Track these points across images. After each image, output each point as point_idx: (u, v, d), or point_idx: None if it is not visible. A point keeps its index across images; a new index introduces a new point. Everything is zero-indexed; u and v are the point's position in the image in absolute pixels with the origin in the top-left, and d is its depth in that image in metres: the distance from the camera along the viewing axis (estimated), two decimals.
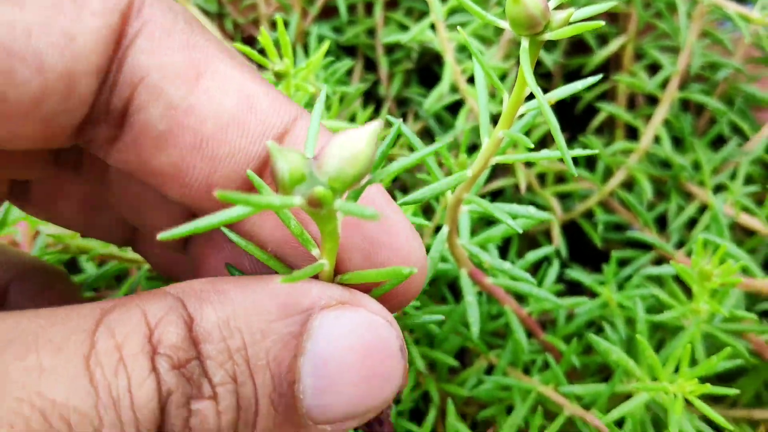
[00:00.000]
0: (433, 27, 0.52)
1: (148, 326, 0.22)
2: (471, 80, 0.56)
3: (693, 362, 0.42)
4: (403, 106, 0.67)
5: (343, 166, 0.19)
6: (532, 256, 0.47)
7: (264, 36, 0.40)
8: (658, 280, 0.53)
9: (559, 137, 0.29)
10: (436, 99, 0.52)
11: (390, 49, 0.67)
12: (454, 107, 0.59)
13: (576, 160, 0.61)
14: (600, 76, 0.32)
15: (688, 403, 0.38)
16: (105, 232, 0.34)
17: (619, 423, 0.42)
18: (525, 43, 0.27)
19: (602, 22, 0.24)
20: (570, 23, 0.27)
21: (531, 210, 0.39)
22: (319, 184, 0.19)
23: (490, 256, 0.42)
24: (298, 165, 0.18)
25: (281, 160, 0.18)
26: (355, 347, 0.23)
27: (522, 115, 0.33)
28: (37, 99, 0.22)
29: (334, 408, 0.23)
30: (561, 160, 0.60)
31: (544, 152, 0.33)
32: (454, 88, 0.63)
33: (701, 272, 0.39)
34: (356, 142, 0.19)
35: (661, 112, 0.55)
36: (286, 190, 0.19)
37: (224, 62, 0.24)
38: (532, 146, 0.29)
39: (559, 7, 0.27)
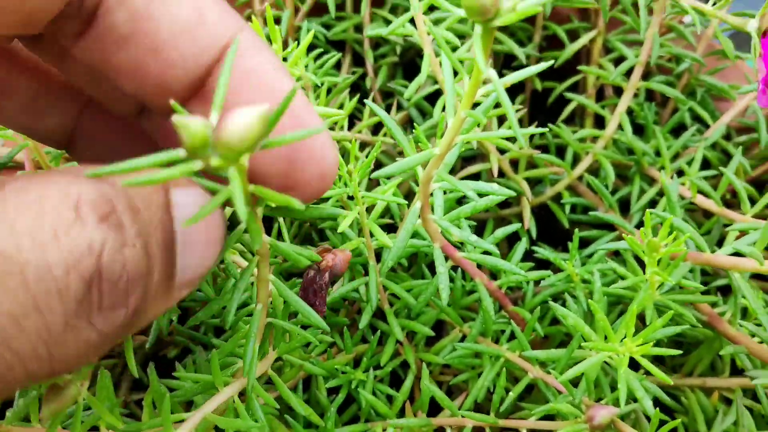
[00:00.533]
0: (412, 22, 0.55)
1: (61, 187, 0.23)
2: None
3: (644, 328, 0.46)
4: (388, 97, 0.71)
5: (235, 139, 0.22)
6: (501, 232, 0.51)
7: (255, 25, 0.44)
8: (623, 260, 0.56)
9: (512, 115, 0.33)
10: (414, 89, 0.56)
11: (376, 44, 0.71)
12: (434, 97, 0.63)
13: (547, 148, 0.65)
14: (551, 63, 0.36)
15: (637, 365, 0.42)
16: (44, 135, 0.37)
17: (576, 383, 0.46)
18: (478, 29, 0.31)
19: (539, 8, 0.28)
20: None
21: (495, 187, 0.43)
22: (216, 154, 0.22)
23: (460, 231, 0.45)
24: (199, 134, 0.22)
25: (183, 132, 0.22)
26: (198, 212, 0.26)
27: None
28: None
29: (189, 270, 0.27)
30: (535, 147, 0.64)
31: (501, 131, 0.37)
32: (433, 80, 0.67)
33: (650, 244, 0.43)
34: (249, 118, 0.22)
35: (625, 101, 0.59)
36: (190, 155, 0.22)
37: None
38: (485, 122, 0.32)
39: None
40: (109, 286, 0.23)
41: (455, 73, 0.42)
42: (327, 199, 0.51)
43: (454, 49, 0.56)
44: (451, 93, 0.39)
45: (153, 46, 0.28)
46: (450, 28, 0.57)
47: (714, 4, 0.51)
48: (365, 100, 0.45)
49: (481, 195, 0.44)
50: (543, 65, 0.36)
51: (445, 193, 0.48)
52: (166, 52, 0.28)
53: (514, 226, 0.52)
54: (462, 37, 0.62)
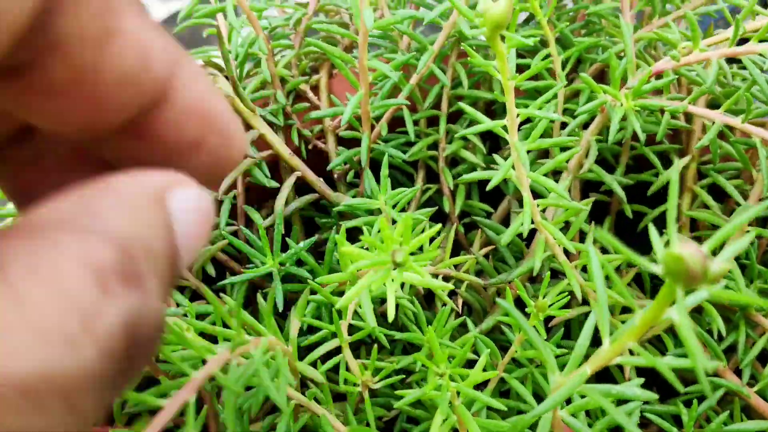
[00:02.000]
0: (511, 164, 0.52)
1: (77, 254, 0.22)
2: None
3: None
4: (464, 216, 0.68)
5: None
6: None
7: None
8: None
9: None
10: (511, 236, 0.52)
11: (453, 161, 0.67)
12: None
13: None
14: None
15: None
16: None
17: None
18: (680, 294, 0.27)
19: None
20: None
21: None
22: None
23: None
24: None
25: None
26: (197, 216, 0.27)
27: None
28: None
29: (188, 257, 0.27)
30: None
31: None
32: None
33: None
34: None
35: None
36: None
37: (131, 19, 0.26)
38: None
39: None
40: (137, 353, 0.23)
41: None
42: None
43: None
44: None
45: (92, 96, 0.26)
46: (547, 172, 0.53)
47: None
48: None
49: None
50: None
51: None
52: (106, 101, 0.27)
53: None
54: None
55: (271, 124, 0.63)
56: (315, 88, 0.68)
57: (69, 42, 0.25)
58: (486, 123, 0.50)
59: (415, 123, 0.65)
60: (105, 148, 0.30)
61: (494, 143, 0.69)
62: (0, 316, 0.19)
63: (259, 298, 0.53)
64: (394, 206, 0.55)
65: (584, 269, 0.56)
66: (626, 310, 0.60)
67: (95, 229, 0.23)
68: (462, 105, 0.53)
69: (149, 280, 0.23)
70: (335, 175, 0.65)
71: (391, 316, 0.39)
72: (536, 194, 0.53)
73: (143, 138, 0.29)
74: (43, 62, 0.26)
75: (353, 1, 0.55)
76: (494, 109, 0.71)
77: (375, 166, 0.59)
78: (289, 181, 0.61)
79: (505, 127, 0.49)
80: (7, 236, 0.22)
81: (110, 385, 0.22)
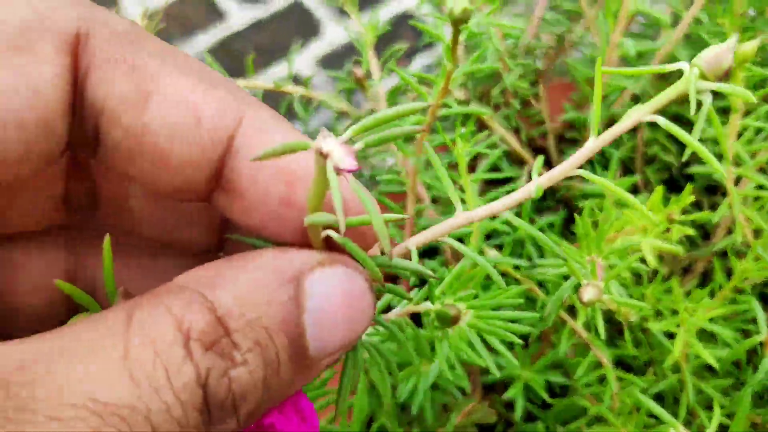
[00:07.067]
0: None
1: (175, 318, 0.25)
2: None
3: None
4: None
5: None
6: None
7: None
8: None
9: None
10: None
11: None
12: None
13: None
14: None
15: None
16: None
17: None
18: None
19: None
20: None
21: None
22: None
23: None
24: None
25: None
26: (340, 297, 0.28)
27: None
28: (27, 149, 0.26)
29: (330, 345, 0.28)
30: None
31: None
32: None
33: None
34: None
35: None
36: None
37: (170, 76, 0.28)
38: None
39: None
40: (215, 407, 0.25)
41: None
42: None
43: None
44: None
45: (158, 157, 0.28)
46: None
47: None
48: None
49: None
50: None
51: None
52: (173, 159, 0.28)
53: None
54: None
55: (505, 127, 0.80)
56: (536, 96, 0.84)
57: (111, 108, 0.27)
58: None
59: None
60: (219, 208, 0.31)
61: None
62: (109, 360, 0.24)
63: None
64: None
65: None
66: None
67: (205, 299, 0.26)
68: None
69: (242, 348, 0.26)
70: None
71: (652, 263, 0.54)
72: None
73: (234, 193, 0.30)
74: (102, 130, 0.28)
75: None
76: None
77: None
78: (526, 169, 0.77)
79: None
80: (149, 293, 0.26)
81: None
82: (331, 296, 0.27)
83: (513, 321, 0.43)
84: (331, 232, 0.27)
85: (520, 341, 0.42)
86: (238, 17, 1.36)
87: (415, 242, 0.30)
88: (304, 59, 1.30)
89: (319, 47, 1.33)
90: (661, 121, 0.27)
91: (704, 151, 0.27)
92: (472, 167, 0.67)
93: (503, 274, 0.56)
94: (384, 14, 1.31)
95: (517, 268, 0.58)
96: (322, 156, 0.24)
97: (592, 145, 0.29)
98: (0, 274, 0.32)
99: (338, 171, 0.23)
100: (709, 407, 0.58)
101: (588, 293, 0.39)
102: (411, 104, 0.25)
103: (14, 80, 0.25)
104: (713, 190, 0.79)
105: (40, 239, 0.33)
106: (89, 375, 0.23)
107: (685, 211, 0.59)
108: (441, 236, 0.30)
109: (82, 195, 0.33)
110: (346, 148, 0.23)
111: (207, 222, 0.35)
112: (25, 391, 0.22)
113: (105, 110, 0.27)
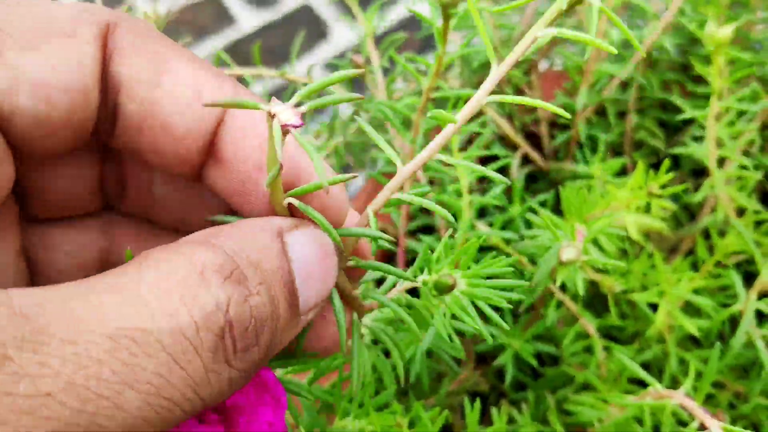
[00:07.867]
0: None
1: (187, 256, 0.27)
2: None
3: None
4: None
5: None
6: None
7: None
8: None
9: None
10: None
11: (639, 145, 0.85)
12: None
13: None
14: None
15: None
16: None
17: None
18: None
19: None
20: None
21: None
22: None
23: None
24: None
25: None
26: (316, 254, 0.32)
27: None
28: (69, 114, 0.30)
29: (312, 299, 0.31)
30: None
31: None
32: None
33: None
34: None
35: None
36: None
37: (179, 62, 0.32)
38: None
39: None
40: (240, 333, 0.27)
41: None
42: None
43: None
44: None
45: (164, 127, 0.32)
46: None
47: None
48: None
49: None
50: None
51: None
52: (174, 128, 0.32)
53: None
54: None
55: (500, 114, 0.83)
56: (529, 84, 0.87)
57: (129, 84, 0.31)
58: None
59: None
60: (208, 181, 0.34)
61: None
62: (125, 292, 0.26)
63: None
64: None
65: None
66: None
67: (210, 243, 0.28)
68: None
69: (252, 282, 0.28)
70: (544, 152, 0.84)
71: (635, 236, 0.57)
72: None
73: (220, 163, 0.33)
74: (120, 103, 0.32)
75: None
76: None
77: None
78: (518, 153, 0.80)
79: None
80: (161, 247, 0.28)
81: (221, 358, 0.27)
82: (309, 254, 0.31)
83: (504, 290, 0.46)
84: (292, 200, 0.31)
85: (510, 306, 0.45)
86: (247, 21, 1.40)
87: (373, 207, 0.33)
88: (313, 62, 1.33)
89: (327, 50, 1.36)
90: (553, 31, 0.29)
91: (601, 44, 0.28)
92: (464, 149, 0.70)
93: (494, 248, 0.59)
94: (393, 15, 1.34)
95: (508, 242, 0.61)
96: (271, 116, 0.26)
97: (494, 72, 0.31)
98: (40, 254, 0.35)
99: (285, 128, 0.26)
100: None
101: (567, 253, 0.42)
102: (348, 71, 0.28)
103: (66, 55, 0.30)
104: (700, 173, 0.82)
105: (77, 223, 0.36)
106: (104, 305, 0.25)
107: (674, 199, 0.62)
108: (395, 193, 0.32)
109: (113, 183, 0.37)
110: (292, 109, 0.26)
111: (224, 209, 0.37)
112: (42, 319, 0.23)
113: (123, 85, 0.31)
